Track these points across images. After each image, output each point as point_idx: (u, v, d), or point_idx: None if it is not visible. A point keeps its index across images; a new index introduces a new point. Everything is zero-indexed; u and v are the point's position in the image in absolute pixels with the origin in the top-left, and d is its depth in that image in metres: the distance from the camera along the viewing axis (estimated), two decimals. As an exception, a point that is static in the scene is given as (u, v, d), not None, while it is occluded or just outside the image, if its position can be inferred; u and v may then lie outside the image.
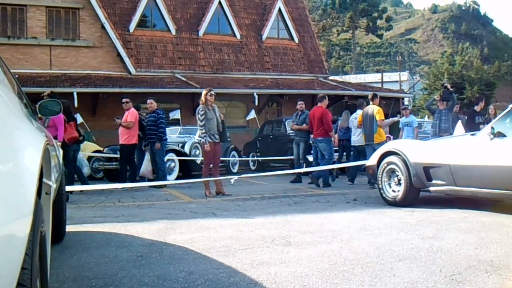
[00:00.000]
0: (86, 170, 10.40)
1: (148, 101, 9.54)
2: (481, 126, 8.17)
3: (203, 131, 7.63)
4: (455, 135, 8.74)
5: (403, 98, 21.52)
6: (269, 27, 20.75)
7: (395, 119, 12.92)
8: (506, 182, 4.68)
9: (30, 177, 1.28)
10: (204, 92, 7.78)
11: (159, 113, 9.31)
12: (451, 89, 10.15)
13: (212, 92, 7.76)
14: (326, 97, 9.63)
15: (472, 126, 9.03)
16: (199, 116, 7.65)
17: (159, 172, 9.21)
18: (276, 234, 4.15)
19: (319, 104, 9.31)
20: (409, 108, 10.70)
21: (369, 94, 9.47)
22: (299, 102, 10.30)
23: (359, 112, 9.49)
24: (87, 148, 12.06)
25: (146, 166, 9.40)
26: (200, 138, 7.91)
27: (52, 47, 16.79)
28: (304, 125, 9.81)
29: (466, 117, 10.36)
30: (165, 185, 9.21)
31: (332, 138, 9.46)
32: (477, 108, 9.79)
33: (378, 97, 9.10)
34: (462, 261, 3.05)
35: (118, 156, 10.03)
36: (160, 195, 7.96)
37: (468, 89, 29.04)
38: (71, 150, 8.00)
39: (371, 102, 8.96)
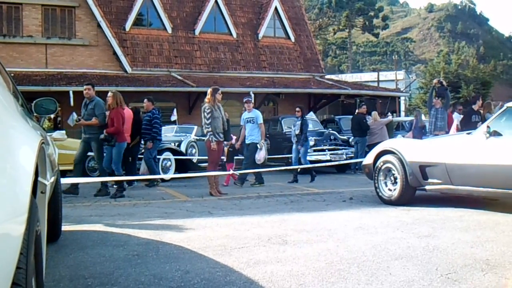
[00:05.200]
0: None
1: (145, 101, 9.66)
2: (478, 124, 8.09)
3: (209, 129, 7.61)
4: (450, 134, 8.76)
5: (399, 97, 21.57)
6: (266, 25, 20.72)
7: (390, 118, 13.29)
8: (501, 181, 4.69)
9: (25, 176, 1.27)
10: (209, 90, 7.77)
11: (154, 113, 9.33)
12: (445, 85, 10.23)
13: (220, 91, 7.81)
14: None
15: (468, 125, 8.91)
16: (205, 114, 7.63)
17: (148, 168, 9.25)
18: (272, 233, 4.15)
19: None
20: (252, 101, 9.76)
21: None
22: (85, 86, 7.89)
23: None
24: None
25: (143, 166, 9.46)
26: (196, 138, 7.89)
27: (48, 45, 16.70)
28: (94, 119, 7.59)
29: (461, 116, 10.32)
30: (158, 183, 9.28)
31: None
32: (474, 107, 9.63)
33: None
34: (458, 260, 3.06)
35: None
36: (156, 194, 7.94)
37: (464, 88, 29.06)
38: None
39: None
